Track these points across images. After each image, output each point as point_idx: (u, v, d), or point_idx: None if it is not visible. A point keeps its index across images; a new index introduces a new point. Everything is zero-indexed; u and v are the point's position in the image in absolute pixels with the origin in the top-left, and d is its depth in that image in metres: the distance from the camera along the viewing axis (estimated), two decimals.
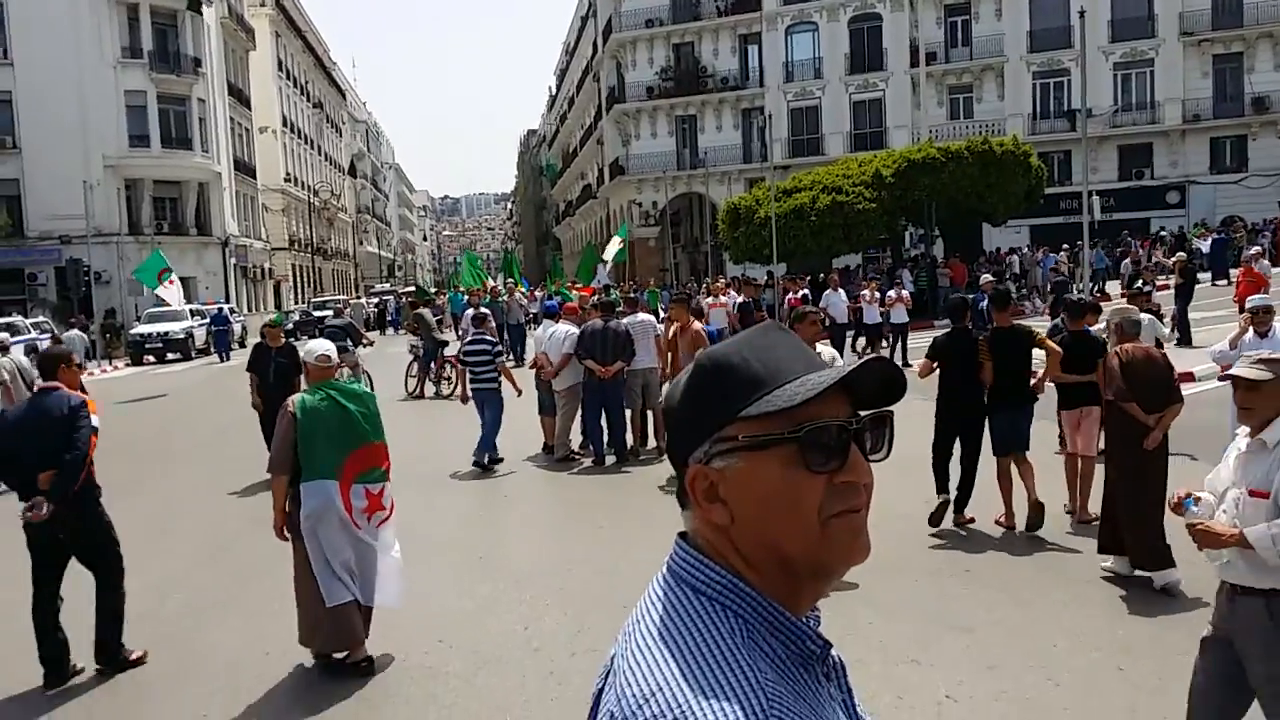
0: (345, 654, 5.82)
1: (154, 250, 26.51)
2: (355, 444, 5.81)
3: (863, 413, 1.14)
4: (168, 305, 29.19)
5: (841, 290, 21.40)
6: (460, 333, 20.43)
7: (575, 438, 12.27)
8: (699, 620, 1.08)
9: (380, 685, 5.60)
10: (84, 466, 5.75)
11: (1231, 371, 3.88)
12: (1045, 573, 7.10)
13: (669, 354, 11.48)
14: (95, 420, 5.96)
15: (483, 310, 14.94)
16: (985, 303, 16.31)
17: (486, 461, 11.69)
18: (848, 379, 1.10)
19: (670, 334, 11.40)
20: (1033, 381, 8.34)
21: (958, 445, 8.32)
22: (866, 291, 21.14)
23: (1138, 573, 6.66)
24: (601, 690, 1.16)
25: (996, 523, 8.15)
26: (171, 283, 25.84)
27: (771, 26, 51.07)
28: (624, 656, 1.11)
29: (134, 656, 6.11)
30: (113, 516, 6.17)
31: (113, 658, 6.01)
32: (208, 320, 35.05)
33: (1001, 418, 8.15)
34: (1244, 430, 3.85)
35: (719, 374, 1.13)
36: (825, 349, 8.04)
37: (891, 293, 20.66)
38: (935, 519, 8.15)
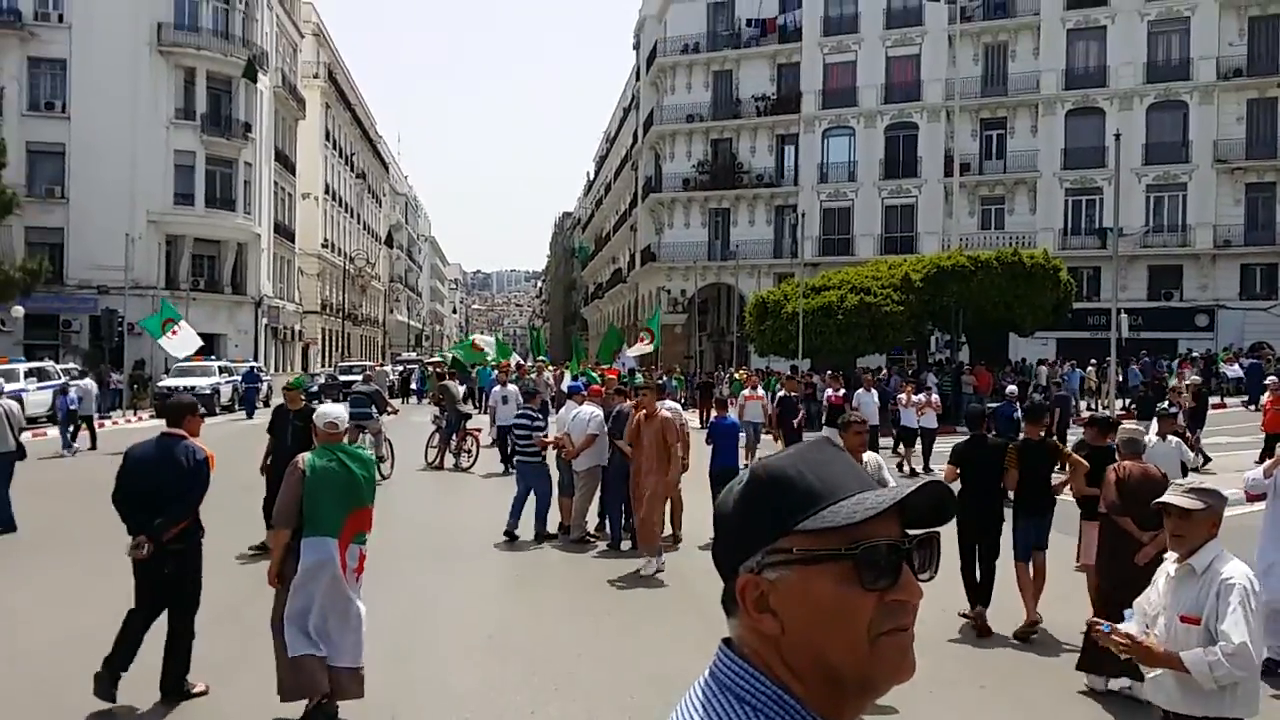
0: (311, 702, 5.95)
1: (163, 301, 27.07)
2: (356, 505, 6.09)
3: (912, 532, 1.17)
4: (175, 358, 29.94)
5: (874, 391, 21.18)
6: (488, 408, 20.51)
7: (591, 519, 12.29)
8: None
9: None
10: (192, 515, 6.45)
11: (1164, 499, 4.05)
12: (1064, 689, 7.02)
13: (631, 443, 10.99)
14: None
15: (531, 386, 15.25)
16: (1016, 413, 16.50)
17: (528, 533, 12.06)
18: (905, 501, 1.13)
19: (635, 421, 10.97)
20: (1054, 482, 8.60)
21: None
22: (904, 395, 20.35)
23: (1113, 685, 6.70)
24: None
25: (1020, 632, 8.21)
26: (174, 333, 26.27)
27: (809, 129, 52.00)
28: None
29: (196, 690, 6.55)
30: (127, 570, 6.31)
31: (177, 688, 6.46)
32: (238, 377, 36.11)
33: (1025, 524, 8.38)
34: (1172, 556, 4.00)
35: (775, 486, 1.16)
36: (870, 456, 8.01)
37: (921, 397, 20.21)
38: (983, 630, 8.23)
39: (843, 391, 21.74)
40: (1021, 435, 9.02)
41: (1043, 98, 47.80)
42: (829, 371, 26.71)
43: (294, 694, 5.97)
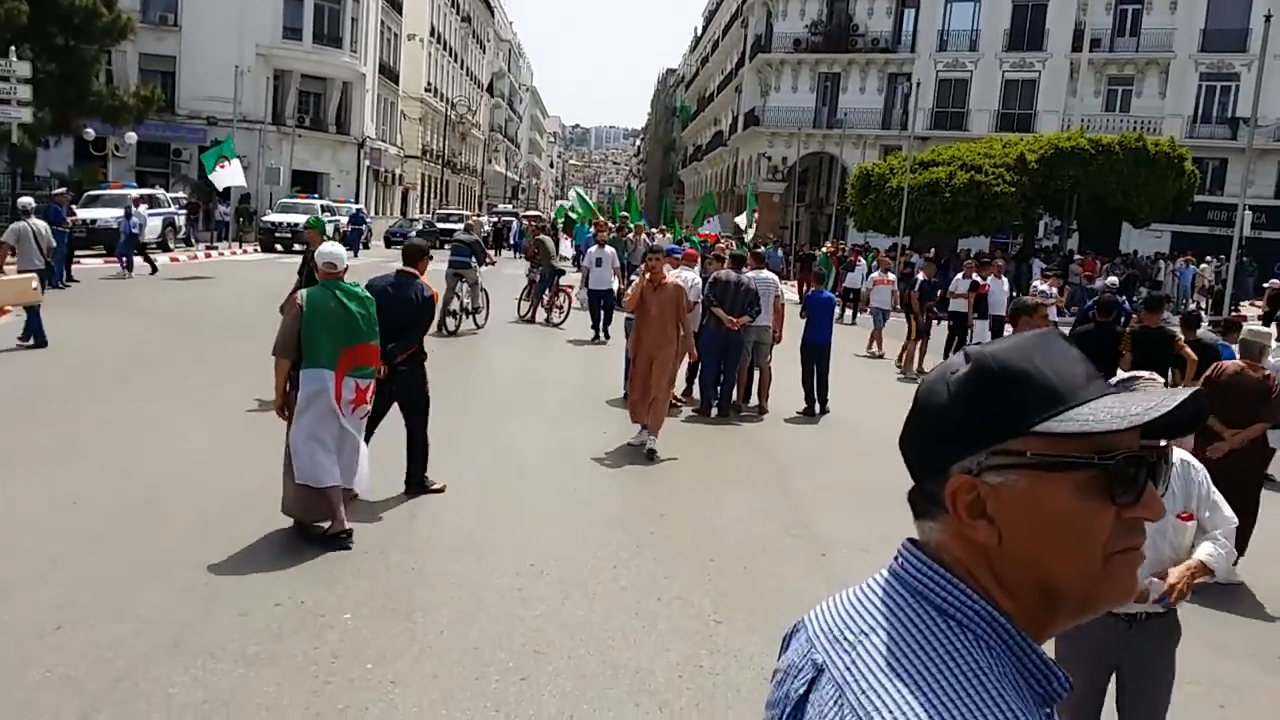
0: (328, 525, 6.48)
1: (229, 137, 27.59)
2: (353, 341, 6.50)
3: (1145, 443, 1.03)
4: (243, 187, 30.73)
5: (1005, 279, 18.58)
6: (582, 268, 20.55)
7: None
8: (950, 651, 0.97)
9: (473, 598, 5.76)
10: (418, 341, 7.56)
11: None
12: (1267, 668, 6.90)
13: (636, 310, 10.00)
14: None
15: (665, 246, 15.18)
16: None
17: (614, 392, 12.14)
18: (1171, 412, 0.98)
19: (638, 289, 9.91)
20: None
21: None
22: (1045, 285, 19.17)
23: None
24: (805, 695, 1.05)
25: None
26: (223, 167, 26.80)
27: None
28: (854, 680, 0.99)
29: (435, 486, 7.69)
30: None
31: (419, 483, 7.64)
32: (343, 218, 37.19)
33: None
34: None
35: (1009, 380, 1.02)
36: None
37: (1046, 288, 19.56)
38: None
39: (971, 278, 18.06)
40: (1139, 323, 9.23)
41: None
42: (926, 254, 25.94)
43: (312, 515, 6.51)
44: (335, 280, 6.62)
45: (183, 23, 43.62)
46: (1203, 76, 44.97)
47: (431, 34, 65.62)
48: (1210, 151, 42.80)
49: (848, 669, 1.01)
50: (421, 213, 59.51)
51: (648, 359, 9.62)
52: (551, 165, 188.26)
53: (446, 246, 21.89)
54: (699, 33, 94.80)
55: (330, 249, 6.78)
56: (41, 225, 15.00)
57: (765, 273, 12.36)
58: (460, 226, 26.73)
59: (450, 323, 16.47)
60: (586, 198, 32.04)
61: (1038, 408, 1.01)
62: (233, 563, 6.06)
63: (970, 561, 1.04)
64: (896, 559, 1.09)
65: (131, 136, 35.55)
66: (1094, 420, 0.99)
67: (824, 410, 12.28)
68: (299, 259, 11.90)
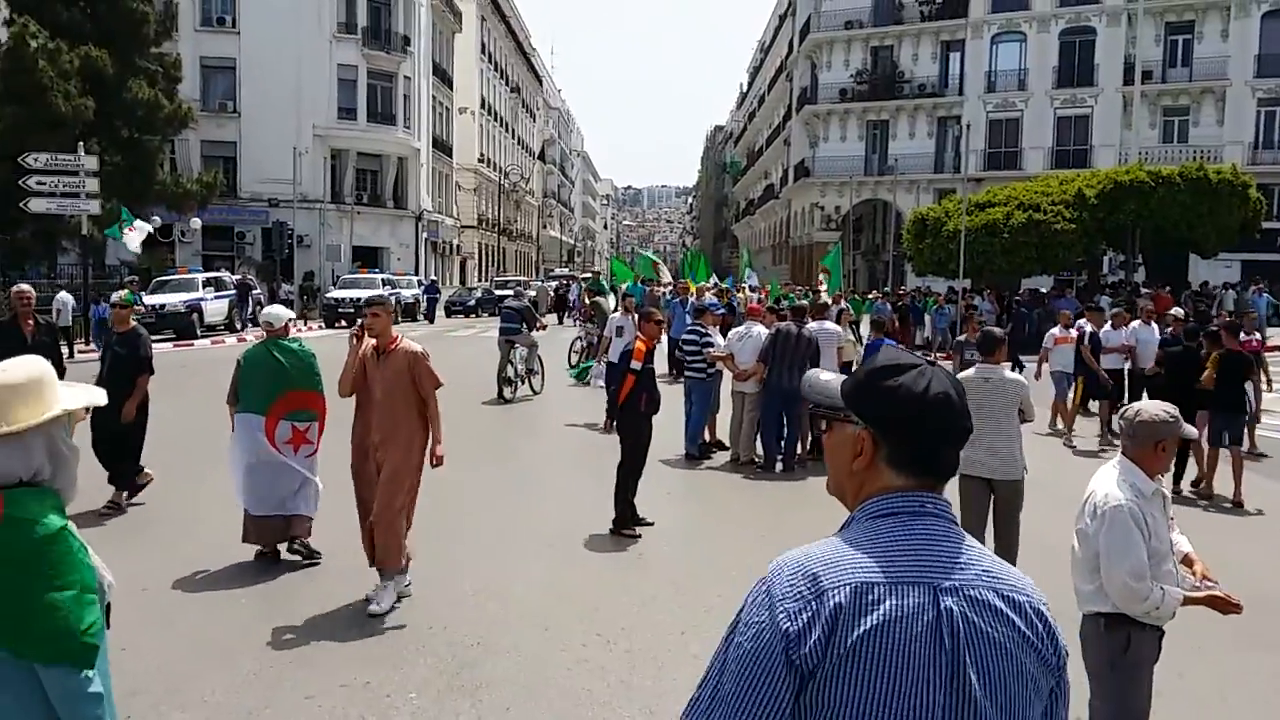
0: (285, 548, 7.52)
1: (122, 209, 28.05)
2: (286, 388, 7.37)
3: None
4: (132, 250, 30.98)
5: (1154, 325, 14.93)
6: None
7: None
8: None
9: (539, 673, 5.61)
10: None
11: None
12: (1241, 638, 6.56)
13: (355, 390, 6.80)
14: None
15: (705, 302, 15.10)
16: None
17: (698, 452, 12.04)
18: None
19: (350, 362, 6.75)
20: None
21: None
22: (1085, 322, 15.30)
23: None
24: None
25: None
26: (131, 230, 27.22)
27: (976, 34, 49.46)
28: None
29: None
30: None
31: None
32: (419, 290, 41.11)
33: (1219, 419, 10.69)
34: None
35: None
36: None
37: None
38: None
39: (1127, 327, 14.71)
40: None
41: None
42: (986, 290, 25.53)
43: (263, 541, 7.47)
44: (274, 338, 7.58)
45: (241, 109, 45.00)
46: (1260, 102, 44.21)
47: (482, 106, 66.95)
48: (1276, 177, 41.86)
49: None
50: (480, 281, 60.26)
51: (373, 459, 6.63)
52: (605, 227, 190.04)
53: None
54: (744, 89, 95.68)
55: (270, 310, 7.88)
56: (68, 299, 14.76)
57: (828, 324, 12.24)
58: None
59: (507, 391, 16.48)
60: (649, 255, 32.01)
61: None
62: (295, 642, 5.99)
63: None
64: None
65: (196, 222, 36.61)
66: None
67: None
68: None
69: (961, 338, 11.70)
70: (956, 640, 1.52)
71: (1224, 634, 6.58)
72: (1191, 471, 11.11)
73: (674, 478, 11.23)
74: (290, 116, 44.02)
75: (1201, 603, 3.79)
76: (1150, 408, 3.89)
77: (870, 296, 29.60)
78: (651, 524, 8.85)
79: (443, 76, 57.43)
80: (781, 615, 1.53)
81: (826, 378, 1.79)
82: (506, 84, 76.73)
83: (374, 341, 6.69)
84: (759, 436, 11.71)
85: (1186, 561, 4.00)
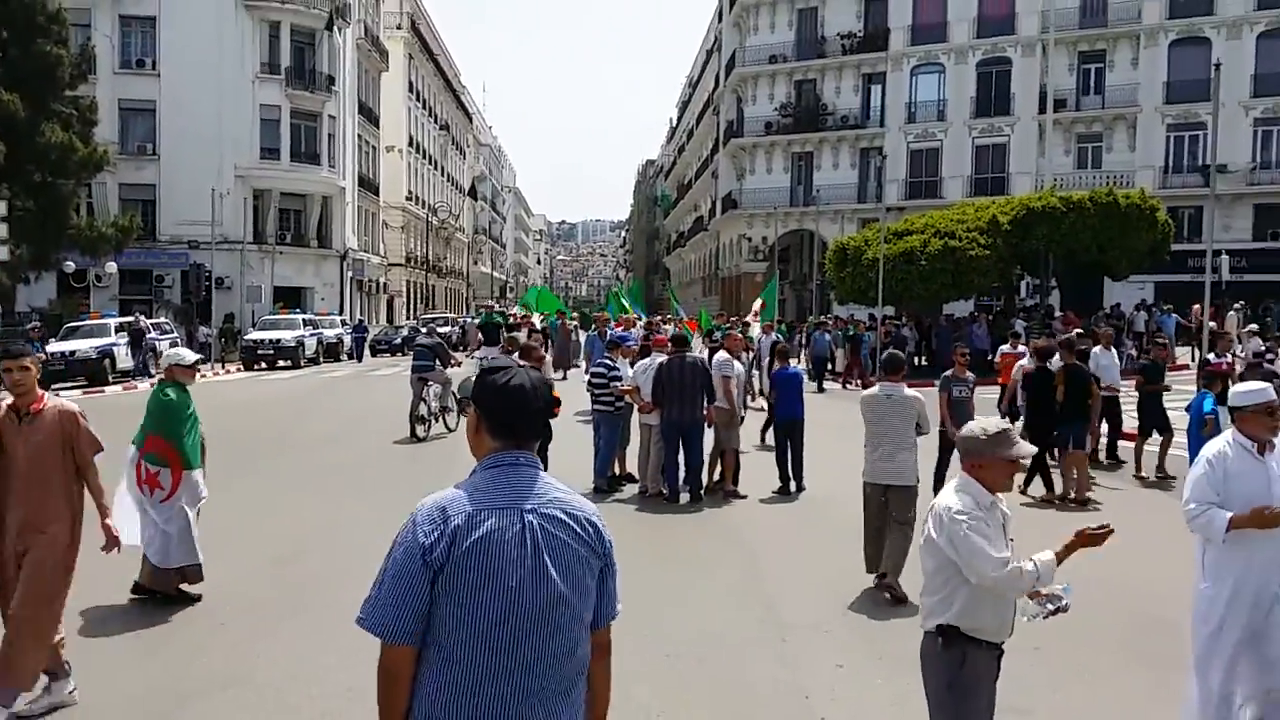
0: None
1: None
2: (151, 429, 7.53)
3: None
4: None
5: (1113, 350, 14.73)
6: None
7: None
8: None
9: None
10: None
11: None
12: (1124, 652, 6.59)
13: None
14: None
15: (620, 336, 14.93)
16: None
17: (605, 485, 12.00)
18: None
19: None
20: None
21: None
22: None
23: None
24: None
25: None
26: None
27: (896, 67, 50.45)
28: None
29: None
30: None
31: None
32: (348, 330, 41.78)
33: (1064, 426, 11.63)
34: None
35: None
36: None
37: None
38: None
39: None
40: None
41: (1145, 28, 45.56)
42: (906, 317, 25.81)
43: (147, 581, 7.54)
44: (168, 380, 7.73)
45: (161, 151, 44.26)
46: (1170, 128, 45.52)
47: (410, 144, 66.74)
48: (1185, 200, 43.03)
49: None
50: (408, 318, 59.77)
51: (10, 544, 5.40)
52: (539, 262, 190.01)
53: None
54: (674, 123, 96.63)
55: (170, 353, 8.05)
56: None
57: (721, 354, 12.35)
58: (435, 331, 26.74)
59: (420, 429, 16.24)
60: (547, 296, 31.66)
61: None
62: None
63: None
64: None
65: (111, 266, 35.85)
66: None
67: (800, 488, 11.99)
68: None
69: (948, 373, 11.48)
70: (535, 538, 2.43)
71: (1103, 652, 6.64)
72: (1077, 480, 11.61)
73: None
74: (212, 157, 43.37)
75: (1072, 549, 3.88)
76: (972, 425, 3.94)
77: (820, 325, 29.85)
78: None
79: (369, 115, 57.14)
80: (421, 534, 2.40)
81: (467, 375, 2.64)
82: (435, 122, 76.58)
83: (10, 401, 5.52)
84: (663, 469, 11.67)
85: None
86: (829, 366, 27.75)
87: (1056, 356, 12.29)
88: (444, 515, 2.40)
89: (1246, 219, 43.39)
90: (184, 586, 7.57)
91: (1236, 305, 30.49)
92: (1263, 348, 18.58)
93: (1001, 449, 3.83)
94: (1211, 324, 21.64)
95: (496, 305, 67.80)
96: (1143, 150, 45.78)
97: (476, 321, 28.83)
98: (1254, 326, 18.72)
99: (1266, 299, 37.82)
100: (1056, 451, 11.95)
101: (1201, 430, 10.17)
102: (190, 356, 7.97)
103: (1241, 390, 4.93)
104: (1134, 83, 45.96)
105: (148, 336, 29.21)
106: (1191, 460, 10.55)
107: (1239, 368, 13.91)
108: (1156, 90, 45.49)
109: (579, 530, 2.49)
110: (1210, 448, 4.86)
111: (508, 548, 2.38)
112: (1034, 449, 3.88)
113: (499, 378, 2.55)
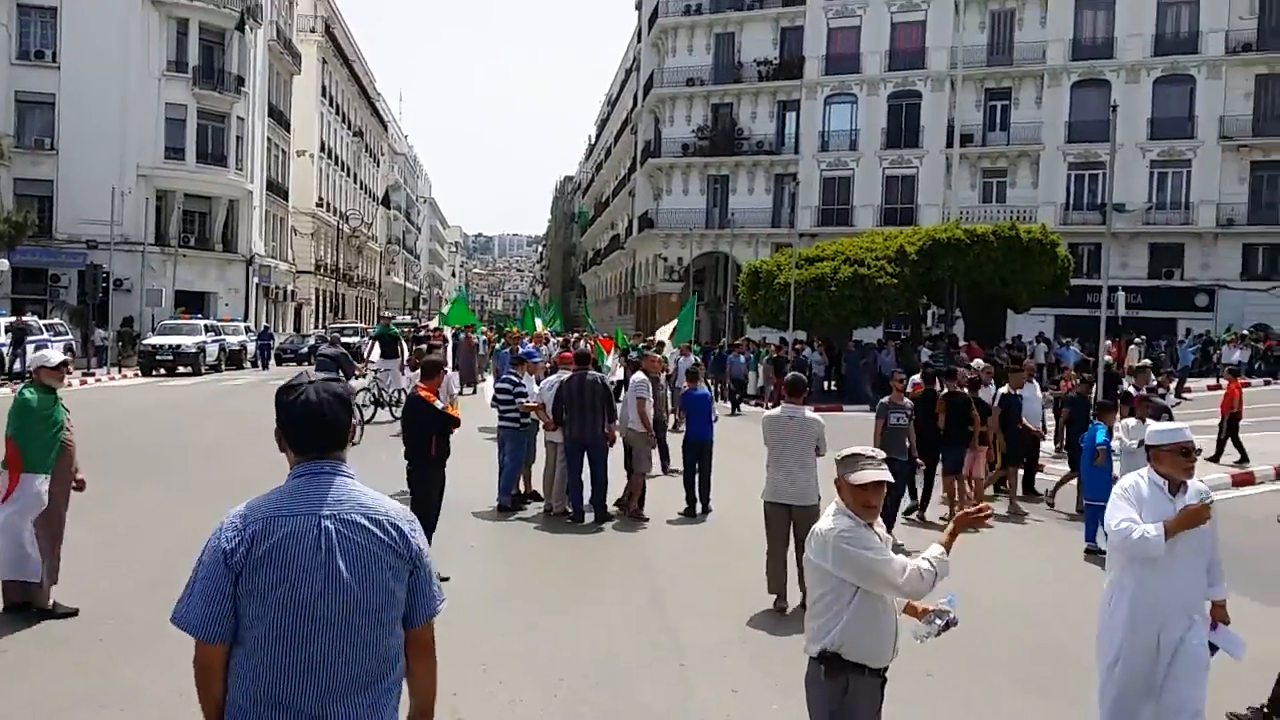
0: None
1: None
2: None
3: None
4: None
5: (1035, 383, 14.77)
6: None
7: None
8: None
9: None
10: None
11: None
12: (1017, 681, 6.68)
13: None
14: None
15: (526, 351, 14.40)
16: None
17: (509, 503, 11.88)
18: None
19: None
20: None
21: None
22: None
23: None
24: None
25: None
26: None
27: (811, 95, 51.26)
28: None
29: None
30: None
31: None
32: (253, 336, 41.21)
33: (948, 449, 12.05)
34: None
35: None
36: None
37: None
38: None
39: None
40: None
41: (1048, 68, 47.08)
42: (816, 341, 26.15)
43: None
44: (35, 382, 7.32)
45: (60, 146, 42.72)
46: (1071, 166, 47.03)
47: (322, 149, 65.58)
48: (1084, 237, 44.52)
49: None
50: (316, 327, 58.60)
51: None
52: (454, 274, 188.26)
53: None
54: (593, 140, 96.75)
55: (38, 354, 7.59)
56: None
57: (638, 375, 12.30)
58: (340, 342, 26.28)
59: None
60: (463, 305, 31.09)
61: None
62: None
63: None
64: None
65: (3, 263, 34.44)
66: None
67: (706, 510, 11.98)
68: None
69: (885, 399, 11.49)
70: (331, 543, 2.54)
71: (1000, 682, 6.72)
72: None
73: (482, 529, 10.95)
74: (113, 155, 41.99)
75: (954, 535, 3.99)
76: (849, 448, 4.02)
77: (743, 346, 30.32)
78: (446, 579, 8.52)
79: (279, 118, 55.98)
80: (224, 540, 2.55)
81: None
82: (349, 127, 75.43)
83: None
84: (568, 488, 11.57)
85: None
86: (744, 389, 28.01)
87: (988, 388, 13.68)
88: (244, 522, 2.57)
89: (1142, 257, 45.05)
90: (45, 604, 7.15)
91: (1137, 339, 31.60)
92: (1154, 382, 19.24)
93: (847, 471, 3.94)
94: (1108, 358, 22.32)
95: (397, 316, 66.97)
96: (1045, 187, 47.23)
97: (371, 333, 27.88)
98: (1147, 361, 19.48)
99: (1160, 334, 39.31)
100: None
101: (1093, 461, 10.46)
102: (56, 358, 7.48)
103: (1158, 429, 4.97)
104: (1038, 121, 47.42)
105: (28, 338, 27.98)
106: (1086, 491, 10.91)
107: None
108: (1059, 129, 47.01)
109: (380, 534, 2.61)
110: (1124, 481, 4.92)
111: (302, 551, 2.52)
112: (878, 475, 3.83)
113: (288, 396, 2.70)
